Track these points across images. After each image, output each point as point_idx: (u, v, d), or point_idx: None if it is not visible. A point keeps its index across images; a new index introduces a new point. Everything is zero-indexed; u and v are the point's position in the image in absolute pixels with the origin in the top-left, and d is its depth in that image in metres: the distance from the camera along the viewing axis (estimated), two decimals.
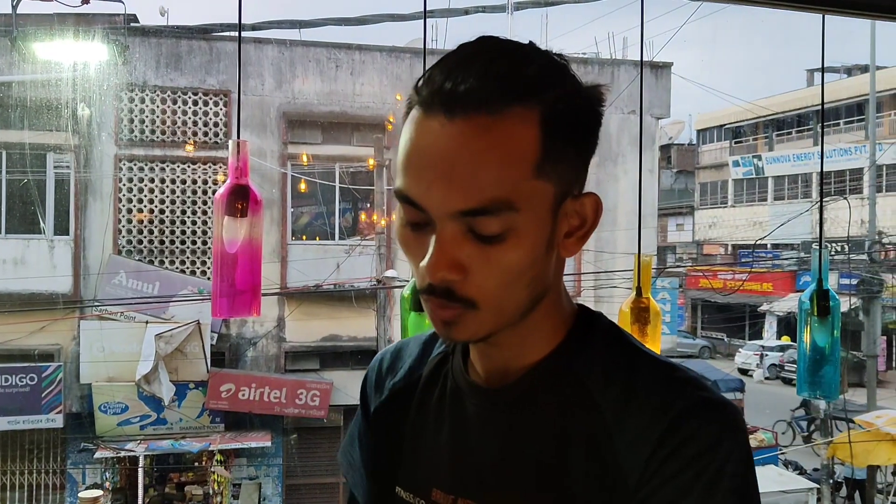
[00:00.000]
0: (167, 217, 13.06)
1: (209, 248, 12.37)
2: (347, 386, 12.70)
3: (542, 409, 0.89)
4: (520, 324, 0.86)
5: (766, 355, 27.81)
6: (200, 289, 12.58)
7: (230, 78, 13.04)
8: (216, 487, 12.72)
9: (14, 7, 10.93)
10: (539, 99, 0.79)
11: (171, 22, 14.04)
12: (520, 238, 0.80)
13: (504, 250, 0.80)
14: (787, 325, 28.58)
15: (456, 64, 0.80)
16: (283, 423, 13.28)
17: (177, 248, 13.11)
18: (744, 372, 26.21)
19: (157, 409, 12.56)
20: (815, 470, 14.78)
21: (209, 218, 12.76)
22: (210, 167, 13.22)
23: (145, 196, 13.04)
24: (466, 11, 11.73)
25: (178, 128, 13.05)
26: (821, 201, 3.16)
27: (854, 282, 17.20)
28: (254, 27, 12.39)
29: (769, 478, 11.96)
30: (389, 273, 12.22)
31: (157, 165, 13.07)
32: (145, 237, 13.03)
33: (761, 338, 30.30)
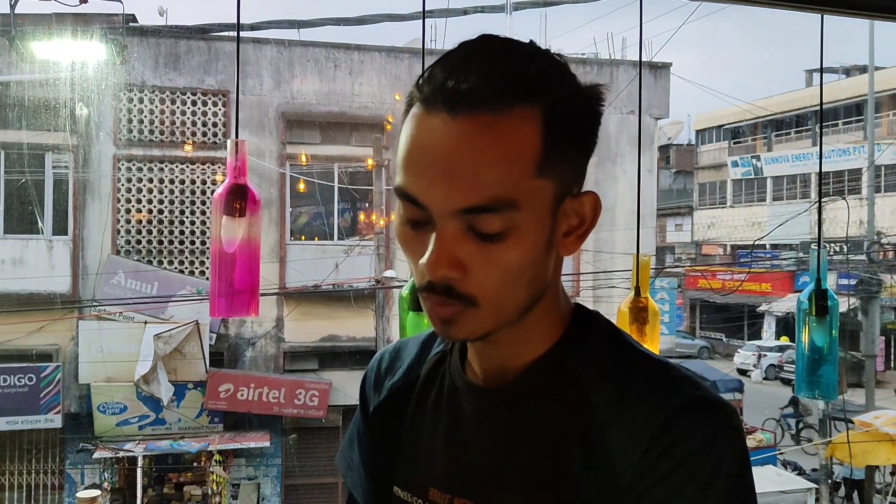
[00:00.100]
0: (166, 217, 13.05)
1: (208, 248, 12.36)
2: (346, 386, 12.70)
3: (539, 408, 0.89)
4: (518, 323, 0.86)
5: (765, 356, 27.82)
6: (199, 289, 12.57)
7: (229, 78, 13.04)
8: (215, 488, 12.72)
9: (12, 7, 10.93)
10: (541, 98, 0.79)
11: (169, 22, 14.04)
12: (520, 237, 0.80)
13: (504, 249, 0.80)
14: (786, 326, 28.59)
15: (458, 62, 0.80)
16: (282, 424, 13.27)
17: (175, 248, 13.11)
18: (743, 372, 26.22)
19: (156, 409, 12.55)
20: (814, 470, 14.79)
21: (208, 218, 12.75)
22: (209, 167, 13.22)
23: (144, 196, 13.03)
24: (465, 11, 11.72)
25: (177, 128, 13.05)
26: (819, 201, 3.16)
27: (853, 282, 17.22)
28: (252, 27, 12.38)
29: (768, 478, 11.96)
30: (388, 273, 12.22)
31: (155, 165, 13.07)
32: (144, 237, 13.03)
33: (760, 338, 30.31)
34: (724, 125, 38.00)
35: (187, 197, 13.13)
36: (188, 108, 13.12)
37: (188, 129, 13.10)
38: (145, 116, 12.99)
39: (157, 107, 13.01)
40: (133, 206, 12.99)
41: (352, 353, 13.46)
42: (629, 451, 0.82)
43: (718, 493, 0.79)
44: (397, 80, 13.50)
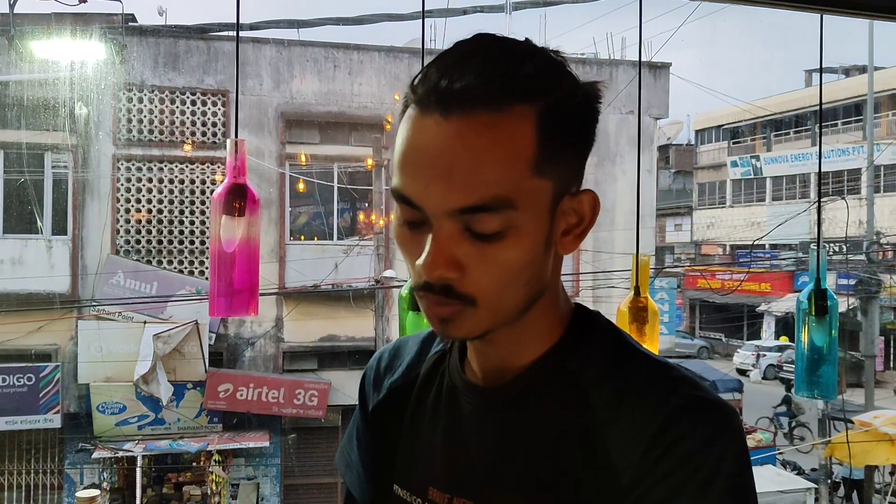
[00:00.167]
0: (165, 217, 13.05)
1: (207, 247, 12.35)
2: (345, 386, 12.69)
3: (538, 408, 0.88)
4: (517, 322, 0.86)
5: (764, 356, 27.83)
6: (198, 289, 12.57)
7: (228, 78, 13.04)
8: (214, 487, 12.72)
9: (11, 6, 10.93)
10: (537, 97, 0.79)
11: (168, 21, 14.01)
12: (518, 236, 0.80)
13: (503, 248, 0.80)
14: (786, 326, 28.60)
15: (452, 61, 0.79)
16: (282, 423, 13.27)
17: (175, 247, 13.11)
18: (742, 372, 26.23)
19: (155, 409, 12.55)
20: (813, 470, 14.80)
21: (207, 218, 12.74)
22: (208, 167, 13.22)
23: (143, 196, 13.03)
24: (465, 11, 11.72)
25: (176, 127, 13.05)
26: (819, 202, 3.16)
27: (852, 282, 17.22)
28: (252, 27, 12.38)
29: (767, 478, 11.96)
30: (388, 273, 12.22)
31: (154, 165, 13.07)
32: (143, 237, 13.03)
33: (759, 338, 30.31)
34: (723, 125, 38.01)
35: (187, 197, 13.13)
36: (187, 107, 13.12)
37: (187, 128, 13.10)
38: (144, 116, 12.99)
39: (156, 106, 13.01)
40: (132, 206, 12.99)
41: (351, 352, 13.46)
42: (629, 451, 0.82)
43: (718, 494, 0.79)
44: (397, 80, 13.51)
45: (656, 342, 2.55)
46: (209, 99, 13.18)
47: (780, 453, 15.74)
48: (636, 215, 2.87)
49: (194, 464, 12.94)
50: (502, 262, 0.80)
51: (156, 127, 12.99)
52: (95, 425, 12.36)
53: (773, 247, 29.21)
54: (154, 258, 13.02)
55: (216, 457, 12.65)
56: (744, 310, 31.65)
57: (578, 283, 13.47)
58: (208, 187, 13.07)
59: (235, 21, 2.17)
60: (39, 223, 12.77)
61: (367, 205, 13.91)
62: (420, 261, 0.80)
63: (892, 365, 27.78)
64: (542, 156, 0.79)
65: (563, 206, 0.84)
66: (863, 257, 17.35)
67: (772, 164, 33.96)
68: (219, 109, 13.21)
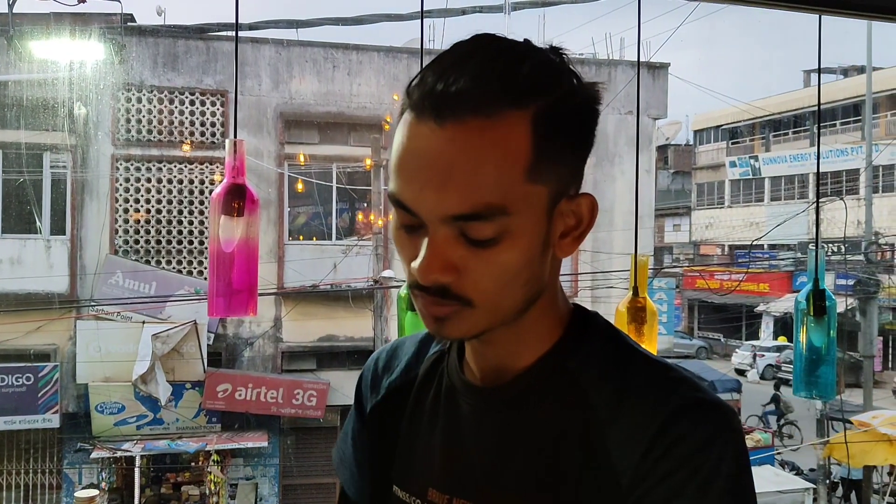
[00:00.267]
0: (164, 217, 13.05)
1: (206, 247, 12.36)
2: (344, 386, 12.69)
3: (537, 408, 0.88)
4: (515, 323, 0.86)
5: (763, 356, 27.84)
6: (197, 289, 12.57)
7: (227, 78, 13.04)
8: (212, 488, 12.72)
9: (10, 6, 10.93)
10: (533, 101, 0.79)
11: (167, 21, 14.01)
12: (514, 240, 0.80)
13: (498, 252, 0.79)
14: (784, 326, 28.60)
15: (448, 65, 0.79)
16: (280, 424, 13.27)
17: (173, 247, 13.11)
18: (741, 373, 26.25)
19: (154, 409, 12.54)
20: (812, 470, 14.81)
21: (206, 218, 12.74)
22: (207, 167, 13.21)
23: (142, 196, 13.03)
24: (464, 11, 11.74)
25: (175, 127, 13.05)
26: (817, 202, 3.16)
27: (851, 282, 17.22)
28: (251, 27, 12.38)
29: (766, 478, 11.97)
30: (386, 273, 12.22)
31: (153, 165, 13.06)
32: (142, 237, 13.02)
33: (758, 338, 30.33)
34: (722, 125, 38.02)
35: (185, 197, 13.13)
36: (186, 107, 13.12)
37: (186, 128, 13.10)
38: (143, 116, 12.99)
39: (155, 106, 13.01)
40: (131, 206, 12.98)
41: (350, 353, 13.46)
42: (629, 451, 0.82)
43: (718, 494, 0.79)
44: (396, 81, 13.51)
45: (655, 342, 2.55)
46: (208, 99, 13.18)
47: (779, 453, 15.75)
48: (635, 216, 2.87)
49: (193, 464, 12.94)
50: (499, 265, 0.80)
51: (155, 127, 12.99)
52: (94, 425, 12.36)
53: (772, 247, 29.23)
54: (153, 258, 13.02)
55: (214, 457, 12.64)
56: (742, 310, 31.66)
57: (577, 284, 13.48)
58: (207, 187, 13.07)
59: (234, 21, 2.17)
60: (38, 223, 12.76)
61: (365, 205, 13.91)
62: (415, 264, 0.80)
63: (890, 365, 27.79)
64: (538, 160, 0.79)
65: (560, 208, 0.84)
66: (861, 258, 17.35)
67: (770, 164, 33.98)
68: (218, 109, 13.21)
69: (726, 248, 35.13)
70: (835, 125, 30.73)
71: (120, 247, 12.95)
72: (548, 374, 0.89)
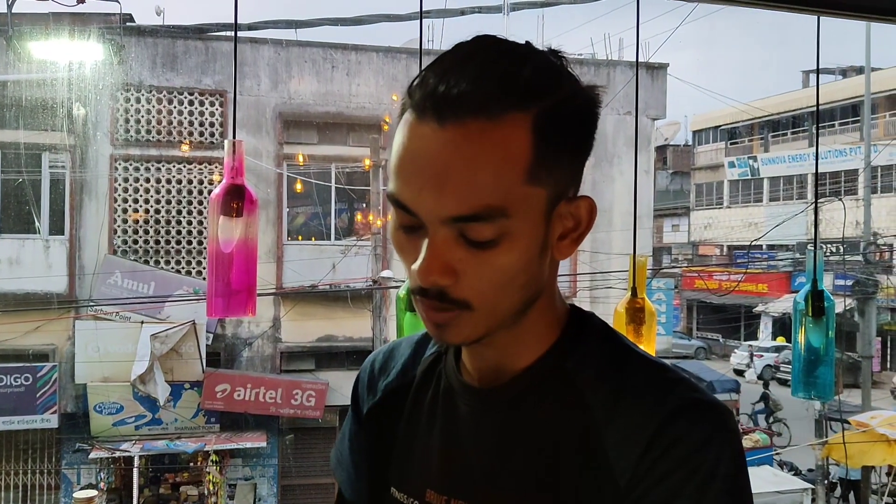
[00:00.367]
0: (163, 217, 13.05)
1: (205, 248, 12.35)
2: (343, 386, 12.68)
3: (535, 409, 0.89)
4: (514, 325, 0.86)
5: (761, 356, 27.85)
6: (196, 289, 12.56)
7: (226, 78, 13.04)
8: (211, 488, 12.72)
9: (9, 6, 10.93)
10: (533, 103, 0.79)
11: (166, 22, 14.02)
12: (513, 242, 0.80)
13: (497, 254, 0.80)
14: (783, 326, 28.61)
15: (450, 66, 0.79)
16: (279, 424, 13.27)
17: (172, 248, 13.10)
18: (739, 373, 26.27)
19: (153, 409, 12.54)
20: (810, 470, 14.81)
21: (205, 218, 12.74)
22: (206, 167, 13.21)
23: (141, 196, 13.02)
24: (462, 12, 11.73)
25: (174, 128, 13.04)
26: (816, 202, 3.16)
27: (849, 283, 17.23)
28: (250, 27, 12.38)
29: (764, 478, 11.97)
30: (385, 273, 12.21)
31: (152, 165, 13.06)
32: (141, 237, 13.02)
33: (756, 339, 30.34)
34: (720, 126, 38.04)
35: (184, 197, 13.13)
36: (185, 108, 13.12)
37: (185, 129, 13.09)
38: (142, 116, 12.99)
39: (154, 107, 13.00)
40: (130, 206, 12.98)
41: (349, 353, 13.46)
42: (627, 452, 0.82)
43: (716, 494, 0.79)
44: (394, 81, 13.51)
45: (653, 343, 2.55)
46: (207, 99, 13.18)
47: (778, 454, 15.75)
48: (633, 216, 2.87)
49: (191, 464, 12.93)
50: (497, 268, 0.80)
51: (153, 127, 12.98)
52: (92, 425, 12.35)
53: (771, 247, 29.23)
54: (151, 258, 13.01)
55: (213, 457, 12.64)
56: (741, 310, 31.67)
57: (576, 284, 13.48)
58: (206, 187, 13.06)
59: (233, 21, 2.17)
60: (37, 223, 12.76)
61: (364, 205, 13.92)
62: (415, 266, 0.80)
63: (888, 365, 27.81)
64: (537, 162, 0.79)
65: (559, 210, 0.84)
66: (860, 258, 17.37)
67: (769, 164, 34.00)
68: (216, 110, 13.21)
69: (725, 249, 35.14)
70: (833, 126, 30.74)
71: (119, 247, 12.95)
72: (546, 374, 0.89)
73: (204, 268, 12.60)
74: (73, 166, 12.76)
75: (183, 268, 13.12)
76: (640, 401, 0.84)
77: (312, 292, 13.21)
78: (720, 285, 26.57)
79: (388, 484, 1.00)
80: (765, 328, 30.63)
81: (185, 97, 13.10)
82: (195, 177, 13.15)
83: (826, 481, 14.30)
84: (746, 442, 14.96)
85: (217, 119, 13.20)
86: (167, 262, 13.08)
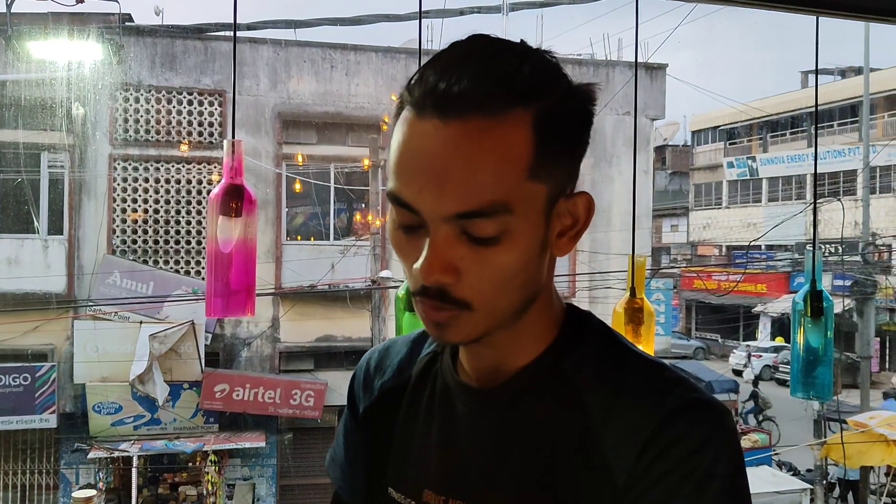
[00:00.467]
0: (161, 217, 13.04)
1: (203, 248, 12.35)
2: (342, 386, 12.67)
3: (533, 409, 0.88)
4: (513, 324, 0.86)
5: (760, 356, 27.87)
6: (195, 289, 12.56)
7: (225, 78, 13.04)
8: (210, 488, 12.71)
9: (8, 6, 10.92)
10: (533, 100, 0.79)
11: (165, 21, 14.01)
12: (514, 240, 0.80)
13: (499, 252, 0.80)
14: (782, 327, 28.63)
15: (449, 63, 0.79)
16: (278, 424, 13.26)
17: (171, 247, 13.10)
18: (738, 373, 26.28)
19: (151, 409, 12.53)
20: (809, 471, 14.82)
21: (204, 218, 12.73)
22: (205, 167, 13.21)
23: (140, 196, 13.02)
24: (462, 12, 11.72)
25: (173, 127, 13.04)
26: (815, 203, 3.17)
27: (848, 283, 17.24)
28: (249, 27, 12.37)
29: (763, 478, 11.98)
30: (384, 273, 12.21)
31: (151, 165, 13.06)
32: (140, 237, 13.01)
33: (755, 339, 30.36)
34: (719, 126, 38.05)
35: (183, 197, 13.12)
36: (184, 107, 13.11)
37: (184, 128, 13.09)
38: (141, 116, 12.98)
39: (153, 106, 13.00)
40: (129, 206, 12.97)
41: (347, 353, 13.45)
42: (625, 452, 0.82)
43: (714, 494, 0.79)
44: (393, 81, 13.51)
45: (652, 343, 2.55)
46: (206, 99, 13.18)
47: (777, 454, 15.75)
48: (632, 216, 2.87)
49: (190, 464, 12.93)
50: (498, 266, 0.80)
51: (152, 127, 12.98)
52: (91, 425, 12.34)
53: (770, 248, 29.24)
54: (150, 258, 13.01)
55: (212, 457, 12.63)
56: (740, 311, 31.69)
57: (575, 284, 13.48)
58: (205, 187, 13.06)
59: (232, 21, 2.17)
60: (36, 223, 12.75)
61: (363, 205, 13.92)
62: (417, 265, 0.80)
63: (887, 366, 27.83)
64: (538, 159, 0.79)
65: (558, 208, 0.84)
66: (858, 258, 17.37)
67: (768, 165, 34.02)
68: (215, 109, 13.21)
69: (724, 249, 35.16)
70: (832, 126, 30.77)
71: (117, 247, 12.94)
72: (543, 374, 0.89)
73: (203, 268, 12.59)
74: (72, 166, 12.76)
75: (182, 268, 13.12)
76: (639, 401, 0.84)
77: (311, 292, 13.21)
78: (719, 285, 26.60)
79: (386, 484, 0.99)
80: (763, 328, 30.65)
81: (185, 97, 13.10)
82: (194, 177, 13.14)
83: (825, 481, 14.31)
84: (745, 442, 14.97)
85: (216, 119, 13.20)
86: (166, 262, 13.08)
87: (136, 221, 12.97)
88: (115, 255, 12.88)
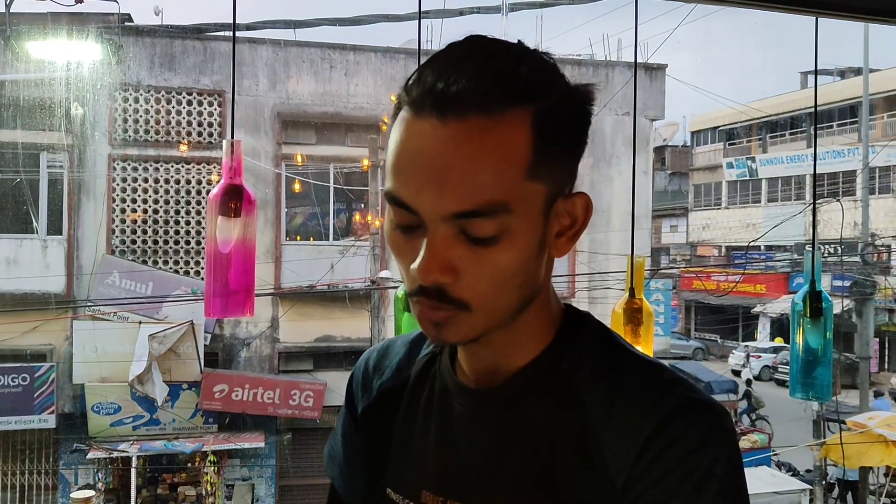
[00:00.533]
0: (161, 217, 13.04)
1: (203, 248, 12.35)
2: (341, 387, 12.58)
3: (531, 410, 0.88)
4: (511, 324, 0.86)
5: (759, 356, 27.87)
6: (194, 289, 12.55)
7: (224, 78, 13.03)
8: (209, 488, 12.71)
9: (8, 6, 10.92)
10: (532, 100, 0.79)
11: (165, 21, 14.01)
12: (513, 239, 0.80)
13: (497, 252, 0.79)
14: (781, 327, 28.63)
15: (447, 63, 0.79)
16: (277, 424, 13.26)
17: (170, 248, 13.09)
18: (737, 374, 26.28)
19: (150, 409, 12.53)
20: (808, 471, 14.82)
21: (203, 218, 12.73)
22: (204, 167, 13.20)
23: (139, 196, 13.02)
24: (461, 12, 11.71)
25: (172, 127, 13.04)
26: (814, 203, 3.17)
27: (847, 284, 17.24)
28: (248, 27, 12.37)
29: (762, 479, 11.98)
30: (383, 274, 12.21)
31: (150, 165, 13.05)
32: (139, 237, 13.01)
33: (754, 339, 30.35)
34: (719, 127, 38.06)
35: (182, 197, 13.12)
36: (183, 108, 13.11)
37: (183, 129, 13.09)
38: (140, 116, 12.98)
39: (152, 107, 13.00)
40: (128, 206, 12.97)
41: (347, 353, 13.45)
42: (623, 452, 0.82)
43: (713, 495, 0.79)
44: (393, 81, 13.51)
45: (651, 343, 2.55)
46: (205, 99, 13.17)
47: (776, 454, 15.75)
48: (632, 217, 2.87)
49: (189, 464, 12.92)
50: (497, 266, 0.80)
51: (152, 127, 12.98)
52: (90, 426, 12.34)
53: (769, 248, 29.26)
54: (149, 258, 13.00)
55: (211, 457, 12.63)
56: (739, 311, 31.68)
57: (574, 284, 13.48)
58: (204, 187, 13.06)
59: (232, 21, 2.17)
60: (35, 223, 12.75)
61: (362, 205, 13.91)
62: (415, 265, 0.80)
63: (886, 366, 27.83)
64: (537, 159, 0.79)
65: (556, 208, 0.84)
66: (858, 259, 17.37)
67: (767, 165, 34.02)
68: (215, 110, 13.20)
69: (723, 250, 35.17)
70: (832, 127, 30.78)
71: (117, 247, 12.94)
72: (542, 375, 0.89)
73: (202, 268, 12.59)
74: (71, 166, 12.75)
75: (181, 268, 13.11)
76: (637, 401, 0.84)
77: (310, 292, 13.21)
78: (718, 286, 26.61)
79: (384, 485, 0.99)
80: (763, 329, 30.65)
81: (184, 97, 13.10)
82: (193, 177, 13.14)
83: (824, 482, 14.31)
84: (744, 443, 14.97)
85: (215, 119, 13.20)
86: (165, 263, 13.07)
87: (135, 221, 12.97)
88: (114, 255, 12.88)
